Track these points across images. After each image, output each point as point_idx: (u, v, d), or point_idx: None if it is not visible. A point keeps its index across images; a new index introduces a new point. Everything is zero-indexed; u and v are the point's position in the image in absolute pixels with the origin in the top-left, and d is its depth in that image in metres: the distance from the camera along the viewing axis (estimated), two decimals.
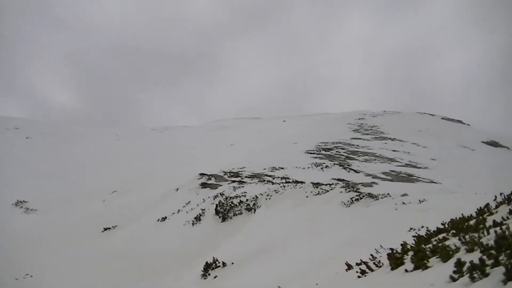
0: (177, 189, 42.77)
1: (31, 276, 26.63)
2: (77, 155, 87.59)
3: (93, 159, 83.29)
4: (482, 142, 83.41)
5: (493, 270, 6.16)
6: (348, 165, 48.67)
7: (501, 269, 5.86)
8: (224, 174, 45.04)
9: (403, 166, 51.33)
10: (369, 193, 27.20)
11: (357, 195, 27.14)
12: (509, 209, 9.85)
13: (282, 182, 37.51)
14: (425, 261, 8.20)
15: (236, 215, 31.94)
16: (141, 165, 71.51)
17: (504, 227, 7.94)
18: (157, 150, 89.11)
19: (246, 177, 43.23)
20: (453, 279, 6.60)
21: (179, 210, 35.95)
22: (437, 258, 8.24)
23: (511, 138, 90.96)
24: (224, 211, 32.50)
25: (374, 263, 10.10)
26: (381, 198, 25.77)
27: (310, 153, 58.22)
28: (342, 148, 62.65)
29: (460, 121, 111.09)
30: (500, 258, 6.49)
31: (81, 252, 31.92)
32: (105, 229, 37.00)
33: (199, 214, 33.17)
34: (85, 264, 29.28)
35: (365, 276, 9.62)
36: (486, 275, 6.12)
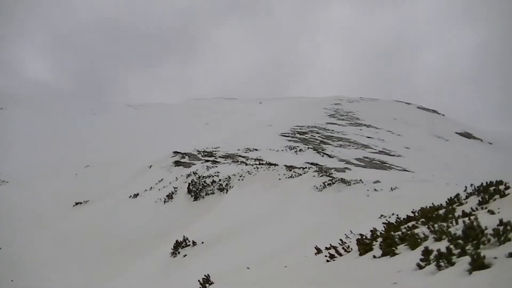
0: (150, 166, 42.64)
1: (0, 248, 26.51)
2: (51, 128, 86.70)
3: (67, 132, 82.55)
4: (456, 133, 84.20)
5: (460, 259, 6.22)
6: (322, 150, 48.85)
7: (467, 258, 5.92)
8: (198, 153, 44.97)
9: (377, 153, 51.65)
10: (341, 179, 27.35)
11: (329, 180, 27.26)
12: (479, 200, 9.96)
13: (256, 164, 37.55)
14: (394, 248, 8.25)
15: (208, 194, 31.94)
16: (115, 141, 71.15)
17: (472, 217, 8.01)
18: (132, 126, 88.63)
19: (220, 157, 43.20)
20: (420, 267, 6.66)
21: (151, 187, 35.85)
22: (405, 245, 8.30)
23: (484, 130, 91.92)
24: (197, 190, 32.47)
25: (343, 248, 10.16)
26: (354, 184, 25.92)
27: (285, 136, 58.33)
28: (317, 133, 62.85)
29: (436, 111, 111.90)
30: (467, 248, 6.55)
31: (51, 225, 31.74)
32: (77, 204, 36.80)
33: (171, 192, 33.11)
34: (54, 237, 29.14)
35: (334, 260, 9.67)
36: (453, 264, 6.18)
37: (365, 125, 75.35)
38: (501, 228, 6.74)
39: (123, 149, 62.48)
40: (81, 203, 36.67)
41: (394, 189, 23.48)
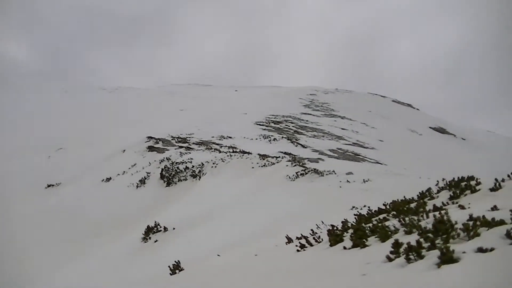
0: (124, 150, 42.40)
1: None
2: (24, 107, 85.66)
3: (40, 112, 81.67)
4: (430, 127, 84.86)
5: (429, 253, 6.26)
6: (296, 140, 48.94)
7: (437, 252, 5.96)
8: (172, 139, 44.82)
9: (350, 145, 51.86)
10: (314, 169, 27.41)
11: (302, 170, 27.32)
12: (450, 195, 10.05)
13: (229, 151, 37.53)
14: (364, 240, 8.29)
15: (181, 180, 31.88)
16: (88, 123, 70.52)
17: (443, 212, 8.08)
18: (106, 109, 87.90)
19: (193, 143, 43.08)
20: (390, 259, 6.70)
21: (124, 171, 35.67)
22: (376, 237, 8.34)
23: (458, 126, 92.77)
24: (169, 176, 32.39)
25: (314, 238, 10.18)
26: (326, 174, 26.01)
27: (260, 124, 58.33)
28: (292, 122, 62.93)
29: (410, 105, 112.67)
30: (437, 241, 6.60)
31: (22, 207, 31.43)
32: (49, 186, 36.49)
33: (144, 177, 32.99)
34: (23, 219, 28.87)
35: (304, 250, 9.69)
36: (422, 257, 6.22)
37: (339, 116, 75.64)
38: (470, 223, 6.80)
39: (97, 132, 61.98)
40: (53, 185, 36.37)
41: (367, 181, 23.62)
